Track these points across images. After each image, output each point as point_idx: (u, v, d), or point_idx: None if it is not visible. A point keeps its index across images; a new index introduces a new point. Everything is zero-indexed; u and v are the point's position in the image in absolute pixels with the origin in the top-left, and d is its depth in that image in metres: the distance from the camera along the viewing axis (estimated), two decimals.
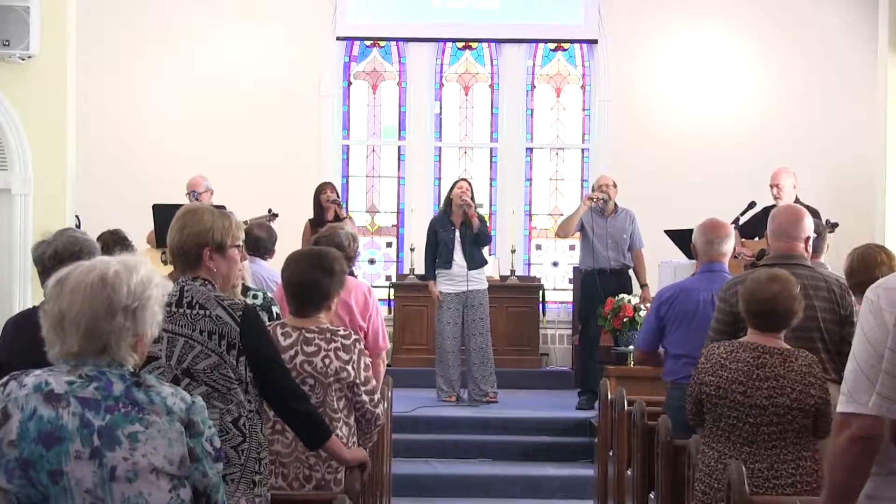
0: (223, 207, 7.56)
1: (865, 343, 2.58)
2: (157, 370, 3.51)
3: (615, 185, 9.49)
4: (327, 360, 4.32)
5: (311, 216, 9.45)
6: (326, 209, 9.39)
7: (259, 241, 7.00)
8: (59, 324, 2.55)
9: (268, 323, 4.39)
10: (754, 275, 4.35)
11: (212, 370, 3.54)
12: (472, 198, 9.46)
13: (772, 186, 8.51)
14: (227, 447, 3.51)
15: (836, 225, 7.69)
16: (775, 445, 4.14)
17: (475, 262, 9.41)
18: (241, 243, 3.79)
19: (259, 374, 3.60)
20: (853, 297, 4.74)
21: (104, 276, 2.57)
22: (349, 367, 4.34)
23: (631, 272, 9.47)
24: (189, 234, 3.65)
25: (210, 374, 3.54)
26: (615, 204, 9.48)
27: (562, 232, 9.99)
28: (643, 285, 9.39)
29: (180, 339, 3.55)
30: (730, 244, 5.67)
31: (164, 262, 8.19)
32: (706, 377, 4.27)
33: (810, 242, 4.90)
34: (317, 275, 4.39)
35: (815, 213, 6.93)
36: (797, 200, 8.12)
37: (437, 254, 9.47)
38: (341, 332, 4.41)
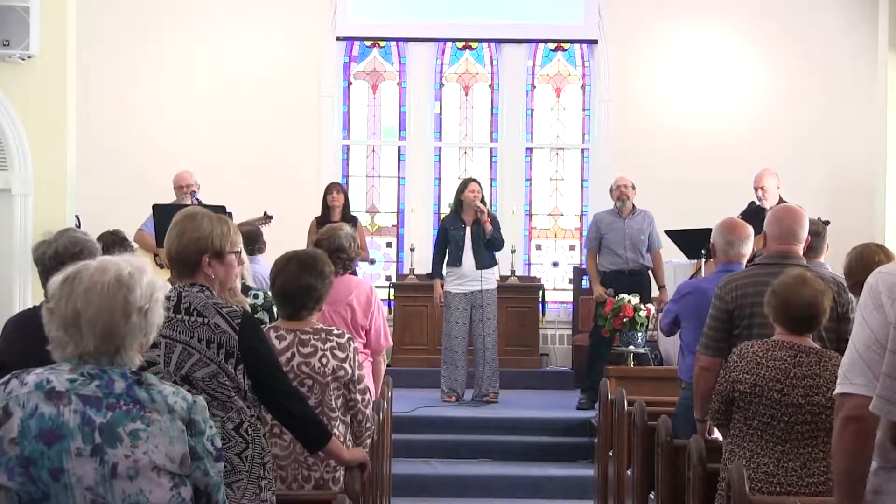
0: (223, 209, 7.61)
1: (864, 325, 2.64)
2: (156, 376, 3.49)
3: (633, 187, 9.48)
4: (324, 360, 4.33)
5: (318, 214, 9.57)
6: (332, 209, 9.49)
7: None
8: (74, 323, 2.54)
9: (263, 326, 4.39)
10: (784, 276, 4.35)
11: (210, 379, 3.51)
12: (483, 200, 9.45)
13: (756, 188, 8.51)
14: (230, 454, 3.48)
15: (827, 223, 7.71)
16: (808, 444, 4.15)
17: (485, 261, 9.39)
18: (240, 248, 3.78)
19: (258, 381, 3.57)
20: (850, 295, 4.76)
21: (119, 277, 2.57)
22: (346, 365, 4.36)
23: (650, 273, 9.46)
24: (188, 241, 3.61)
25: (209, 383, 3.51)
26: (633, 205, 9.49)
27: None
28: (661, 287, 9.38)
29: (178, 346, 3.51)
30: (749, 245, 5.69)
31: (161, 266, 8.21)
32: (741, 375, 4.25)
33: (806, 243, 4.94)
34: (309, 280, 4.40)
35: None
36: (781, 200, 8.13)
37: (447, 252, 9.45)
38: (335, 332, 4.43)
